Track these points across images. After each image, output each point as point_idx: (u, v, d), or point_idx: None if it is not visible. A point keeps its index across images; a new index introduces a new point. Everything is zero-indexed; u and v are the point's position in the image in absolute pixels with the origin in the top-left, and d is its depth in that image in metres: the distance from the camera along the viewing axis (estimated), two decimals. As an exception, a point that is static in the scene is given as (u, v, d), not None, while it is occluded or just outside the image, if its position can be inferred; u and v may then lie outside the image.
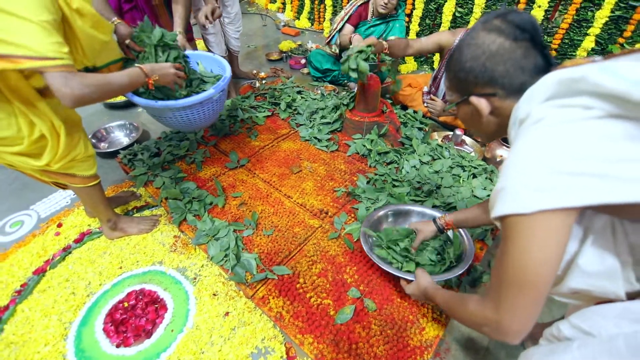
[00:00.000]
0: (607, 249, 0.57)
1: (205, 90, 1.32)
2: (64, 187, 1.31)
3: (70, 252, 1.38)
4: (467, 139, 1.96)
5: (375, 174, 1.64)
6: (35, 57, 0.79)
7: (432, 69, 2.80)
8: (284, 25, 3.63)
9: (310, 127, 1.93)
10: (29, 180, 1.70)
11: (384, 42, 1.65)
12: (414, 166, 1.67)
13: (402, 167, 1.67)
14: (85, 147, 1.15)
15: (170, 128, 1.49)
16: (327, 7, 3.39)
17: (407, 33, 2.79)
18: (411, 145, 1.80)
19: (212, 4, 1.64)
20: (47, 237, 1.44)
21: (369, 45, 1.57)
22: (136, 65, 1.09)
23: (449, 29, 2.60)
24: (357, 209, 1.45)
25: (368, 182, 1.61)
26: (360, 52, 1.56)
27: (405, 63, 2.91)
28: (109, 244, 1.41)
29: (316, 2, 3.51)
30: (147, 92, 1.29)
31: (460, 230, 1.19)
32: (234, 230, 1.37)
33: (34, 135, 0.98)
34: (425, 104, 2.10)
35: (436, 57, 2.74)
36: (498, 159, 1.78)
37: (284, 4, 3.93)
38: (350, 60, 1.57)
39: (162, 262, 1.35)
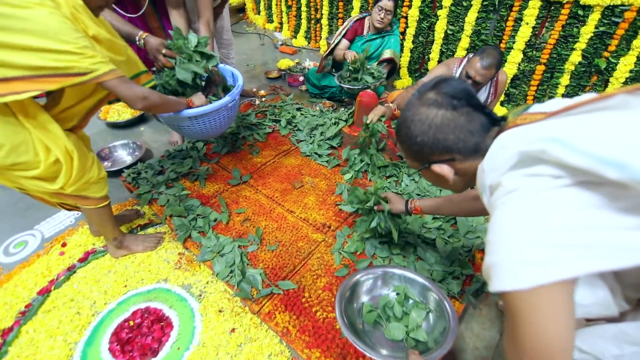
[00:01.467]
0: (596, 282, 0.62)
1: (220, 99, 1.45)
2: (70, 208, 1.33)
3: (74, 272, 1.38)
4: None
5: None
6: (85, 72, 0.89)
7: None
8: (282, 44, 3.73)
9: (311, 143, 1.97)
10: (33, 201, 1.71)
11: (392, 106, 1.75)
12: (413, 179, 1.71)
13: (402, 180, 1.70)
14: (99, 170, 1.18)
15: (187, 137, 1.56)
16: (323, 27, 3.51)
17: (402, 49, 2.89)
18: (410, 159, 1.84)
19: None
20: (51, 257, 1.44)
21: (382, 115, 1.71)
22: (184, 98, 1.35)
23: (441, 46, 2.70)
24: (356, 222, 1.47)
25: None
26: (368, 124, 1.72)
27: (401, 78, 2.99)
28: (114, 263, 1.41)
29: (312, 21, 3.64)
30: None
31: (447, 305, 1.05)
32: (239, 246, 1.38)
33: (50, 159, 1.01)
34: None
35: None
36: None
37: (281, 23, 4.06)
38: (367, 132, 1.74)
39: (167, 280, 1.35)
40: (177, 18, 1.62)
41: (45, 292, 1.30)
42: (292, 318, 1.16)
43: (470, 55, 1.70)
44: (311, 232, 1.47)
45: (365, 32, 2.42)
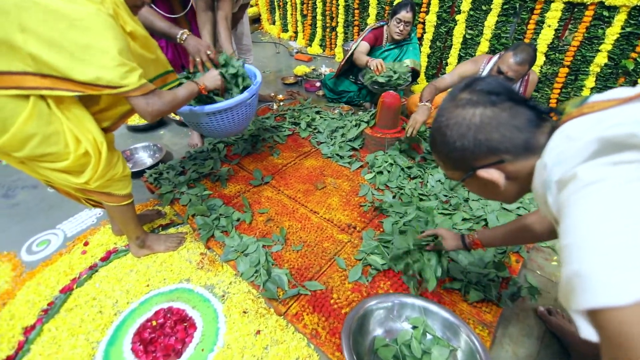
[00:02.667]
0: None
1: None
2: (95, 204, 1.32)
3: (96, 270, 1.36)
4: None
5: (401, 189, 1.63)
6: (115, 87, 0.91)
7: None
8: (297, 52, 3.77)
9: (332, 145, 1.95)
10: (56, 200, 1.73)
11: (427, 104, 1.66)
12: (439, 180, 1.66)
13: (427, 182, 1.66)
14: (123, 167, 1.17)
15: (206, 134, 1.55)
16: (338, 34, 3.54)
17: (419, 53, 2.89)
18: (434, 160, 1.80)
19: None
20: (73, 256, 1.43)
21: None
22: (192, 80, 1.26)
23: (459, 51, 2.68)
24: (383, 223, 1.43)
25: (394, 197, 1.59)
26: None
27: (418, 84, 2.98)
28: (136, 262, 1.39)
29: (327, 29, 3.67)
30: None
31: (477, 344, 0.93)
32: (263, 246, 1.34)
33: (80, 150, 1.01)
34: None
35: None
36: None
37: (295, 32, 4.12)
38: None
39: (190, 280, 1.32)
40: (204, 21, 1.63)
41: (67, 291, 1.28)
42: (321, 320, 1.11)
43: (502, 52, 1.67)
44: (336, 233, 1.43)
45: (383, 43, 2.38)
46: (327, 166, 1.83)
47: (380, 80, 2.12)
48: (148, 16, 1.44)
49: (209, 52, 1.43)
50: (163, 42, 1.71)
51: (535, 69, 2.39)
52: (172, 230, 1.54)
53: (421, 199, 1.57)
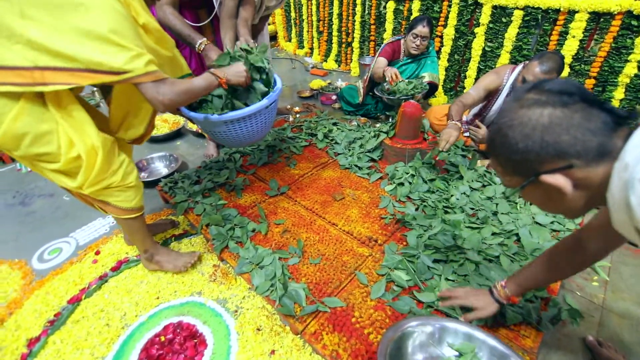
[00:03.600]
0: None
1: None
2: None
3: (106, 281, 1.31)
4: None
5: (423, 201, 1.55)
6: (119, 72, 0.85)
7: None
8: (313, 67, 3.81)
9: (350, 156, 1.89)
10: (71, 209, 1.71)
11: (458, 124, 1.64)
12: (464, 193, 1.57)
13: (451, 195, 1.57)
14: (123, 177, 1.07)
15: (224, 144, 1.49)
16: (354, 50, 3.56)
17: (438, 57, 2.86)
18: (457, 172, 1.72)
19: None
20: (84, 265, 1.38)
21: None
22: (210, 71, 1.13)
23: (478, 64, 2.64)
24: (407, 236, 1.34)
25: (417, 209, 1.51)
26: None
27: (436, 97, 2.93)
28: (146, 273, 1.33)
29: (343, 45, 3.71)
30: (211, 101, 1.29)
31: None
32: (279, 258, 1.27)
33: (71, 154, 0.94)
34: (465, 134, 2.05)
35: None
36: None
37: (311, 49, 4.18)
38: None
39: (201, 293, 1.25)
40: (227, 28, 1.63)
41: (75, 301, 1.22)
42: (342, 340, 1.01)
43: (526, 61, 1.61)
44: (356, 246, 1.34)
45: (401, 57, 2.38)
46: (346, 177, 1.76)
47: (396, 89, 2.09)
48: (172, 19, 1.45)
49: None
50: (187, 51, 1.73)
51: (560, 80, 2.31)
52: (185, 241, 1.49)
53: (446, 212, 1.48)
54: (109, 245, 1.47)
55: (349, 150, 1.95)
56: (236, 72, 1.21)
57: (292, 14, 4.22)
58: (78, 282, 1.31)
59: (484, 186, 1.63)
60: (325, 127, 2.15)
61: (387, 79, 2.13)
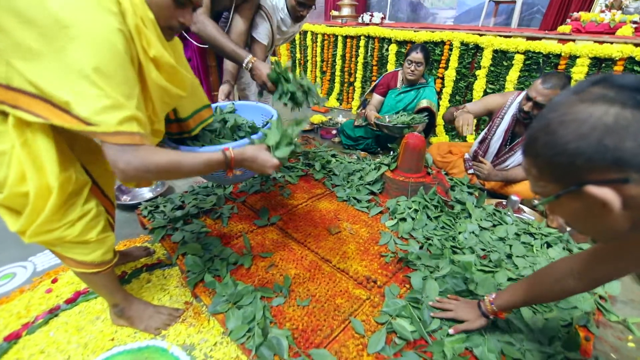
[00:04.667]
0: None
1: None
2: None
3: (56, 315, 1.12)
4: (525, 207, 1.74)
5: (428, 239, 1.40)
6: (84, 121, 0.65)
7: (461, 138, 2.75)
8: (315, 104, 3.84)
9: (348, 188, 1.77)
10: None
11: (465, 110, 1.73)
12: (473, 232, 1.42)
13: (458, 233, 1.42)
14: (82, 233, 0.84)
15: (213, 181, 1.35)
16: (355, 89, 3.62)
17: (439, 104, 2.85)
18: (464, 210, 1.58)
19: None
20: (35, 294, 1.19)
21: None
22: (223, 150, 0.87)
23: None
24: (410, 277, 1.17)
25: (421, 248, 1.35)
26: None
27: (437, 136, 2.89)
28: (105, 308, 1.14)
29: (345, 84, 3.77)
30: (190, 138, 1.16)
31: None
32: (261, 298, 1.09)
33: (18, 188, 0.74)
34: (470, 170, 1.95)
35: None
36: (568, 229, 1.52)
37: (314, 87, 4.26)
38: None
39: (166, 336, 1.05)
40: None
41: (13, 338, 1.02)
42: (330, 407, 0.80)
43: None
44: (352, 287, 1.16)
45: (398, 85, 2.44)
46: (343, 210, 1.62)
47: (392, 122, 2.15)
48: (213, 32, 1.43)
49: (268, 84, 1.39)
50: (188, 52, 1.70)
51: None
52: (157, 272, 1.31)
53: (454, 252, 1.32)
54: (69, 272, 1.29)
55: (348, 182, 1.83)
56: (262, 165, 0.92)
57: (298, 55, 4.37)
58: (23, 314, 1.11)
59: (494, 226, 1.48)
60: (324, 158, 2.06)
61: (370, 121, 2.31)
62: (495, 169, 1.84)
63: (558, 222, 1.55)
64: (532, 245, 1.35)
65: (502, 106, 1.78)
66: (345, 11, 4.86)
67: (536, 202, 1.49)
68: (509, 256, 1.29)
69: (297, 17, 1.75)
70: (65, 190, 0.78)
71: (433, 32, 2.78)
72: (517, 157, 1.78)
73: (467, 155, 2.05)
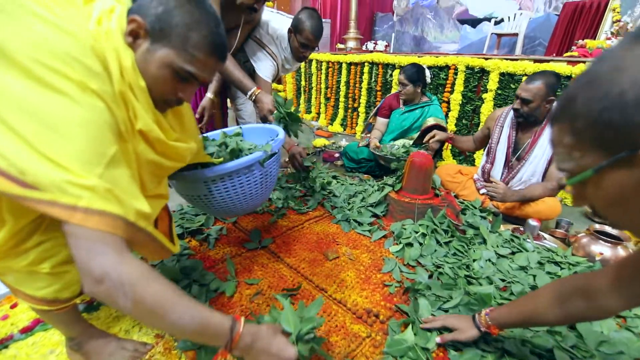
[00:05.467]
0: None
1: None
2: None
3: (6, 346, 0.96)
4: (545, 234, 1.57)
5: (438, 267, 1.23)
6: (32, 186, 0.49)
7: (468, 162, 2.62)
8: (318, 129, 3.80)
9: (349, 210, 1.63)
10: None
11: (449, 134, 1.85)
12: (489, 259, 1.26)
13: (473, 260, 1.25)
14: (34, 261, 0.67)
15: (210, 213, 1.23)
16: (359, 114, 3.58)
17: (446, 120, 2.78)
18: (477, 235, 1.42)
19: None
20: (-13, 323, 1.04)
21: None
22: (234, 318, 0.66)
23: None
24: (418, 302, 0.99)
25: (430, 276, 1.18)
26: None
27: (444, 160, 2.77)
28: (62, 340, 0.98)
29: (349, 110, 3.75)
30: None
31: None
32: (242, 331, 0.92)
33: None
34: (482, 190, 1.81)
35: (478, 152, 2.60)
36: (598, 258, 1.34)
37: (318, 113, 4.25)
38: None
39: (127, 377, 0.88)
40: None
41: (-54, 377, 0.86)
42: None
43: None
44: (350, 322, 0.99)
45: (401, 105, 2.42)
46: (342, 233, 1.48)
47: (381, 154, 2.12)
48: (235, 74, 1.45)
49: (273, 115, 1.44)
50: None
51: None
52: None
53: (469, 282, 1.14)
54: (31, 298, 1.14)
55: (349, 203, 1.70)
56: (276, 354, 0.67)
57: (302, 82, 4.42)
58: (-32, 347, 0.96)
59: (513, 253, 1.31)
60: (324, 180, 1.94)
61: (370, 148, 2.30)
62: (509, 187, 1.71)
63: (585, 251, 1.38)
64: (560, 276, 1.17)
65: (499, 115, 1.81)
66: (351, 44, 5.00)
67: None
68: (534, 288, 1.12)
69: (299, 57, 1.78)
70: (20, 218, 0.62)
71: (437, 57, 2.77)
72: (529, 168, 1.68)
73: (476, 176, 1.92)
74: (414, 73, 2.23)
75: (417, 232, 1.40)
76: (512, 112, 1.71)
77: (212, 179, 0.97)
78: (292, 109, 1.48)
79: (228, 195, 1.02)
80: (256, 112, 2.09)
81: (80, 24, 0.57)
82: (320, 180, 1.91)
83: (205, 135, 1.19)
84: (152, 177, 0.74)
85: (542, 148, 1.61)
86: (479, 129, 2.03)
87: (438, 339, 0.88)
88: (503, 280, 1.15)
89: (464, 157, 2.76)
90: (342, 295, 1.10)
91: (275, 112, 1.46)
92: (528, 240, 1.41)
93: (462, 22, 6.52)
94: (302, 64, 4.27)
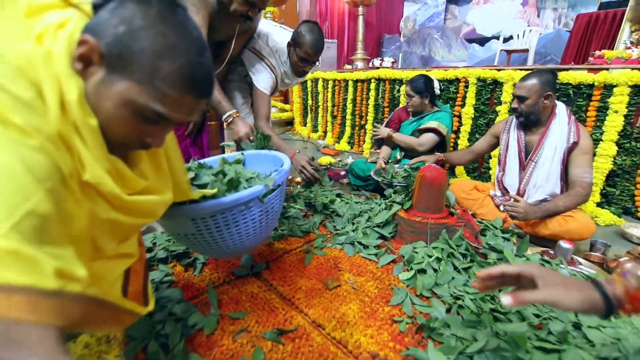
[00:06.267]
0: None
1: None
2: None
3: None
4: (579, 258, 1.36)
5: (457, 298, 1.04)
6: None
7: (484, 178, 2.43)
8: (325, 147, 3.70)
9: (353, 231, 1.47)
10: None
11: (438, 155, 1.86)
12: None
13: (499, 290, 1.06)
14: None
15: (200, 253, 1.11)
16: (367, 131, 3.47)
17: (456, 140, 2.62)
18: (501, 259, 1.23)
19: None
20: None
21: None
22: None
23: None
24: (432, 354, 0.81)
25: (448, 311, 1.00)
26: None
27: (457, 177, 2.59)
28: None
29: (356, 128, 3.65)
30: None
31: None
32: (218, 381, 0.76)
33: None
34: (501, 207, 1.63)
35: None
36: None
37: (325, 132, 4.17)
38: None
39: None
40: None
41: None
42: None
43: None
44: (351, 368, 0.81)
45: (410, 117, 2.32)
46: (345, 258, 1.31)
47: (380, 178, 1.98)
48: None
49: (251, 138, 1.35)
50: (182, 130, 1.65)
51: (607, 160, 1.95)
52: (82, 340, 0.97)
53: (496, 318, 0.95)
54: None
55: (353, 224, 1.54)
56: None
57: (309, 101, 4.37)
58: None
59: (546, 282, 1.11)
60: (327, 198, 1.79)
61: (377, 166, 2.17)
62: (526, 199, 1.59)
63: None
64: (607, 311, 0.97)
65: (505, 122, 1.78)
66: (359, 65, 4.99)
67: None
68: (577, 326, 0.92)
69: (299, 72, 1.72)
70: None
71: (446, 70, 2.66)
72: (541, 171, 1.56)
73: (492, 192, 1.75)
74: (421, 84, 2.12)
75: (430, 257, 1.22)
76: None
77: (201, 216, 0.81)
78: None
79: (220, 235, 0.86)
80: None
81: (11, 41, 0.45)
82: (323, 199, 1.76)
83: (200, 161, 1.07)
84: (110, 236, 0.58)
85: (551, 149, 1.53)
86: (482, 137, 1.98)
87: (507, 299, 0.59)
88: (538, 317, 0.95)
89: (479, 173, 2.58)
90: (343, 334, 0.92)
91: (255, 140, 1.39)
92: (562, 266, 1.21)
93: (470, 41, 6.50)
94: (309, 83, 4.24)
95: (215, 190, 0.86)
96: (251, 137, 1.36)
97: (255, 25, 1.60)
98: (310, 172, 1.58)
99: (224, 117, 1.38)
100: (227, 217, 0.84)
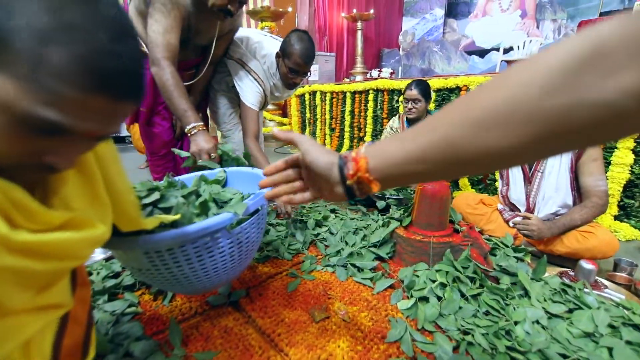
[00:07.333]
0: None
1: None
2: None
3: None
4: (604, 280, 1.20)
5: (466, 333, 0.89)
6: None
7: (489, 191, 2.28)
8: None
9: (346, 251, 1.32)
10: None
11: None
12: (537, 322, 0.90)
13: (515, 323, 0.90)
14: None
15: (163, 289, 0.98)
16: (366, 143, 3.36)
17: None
18: (515, 284, 1.08)
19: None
20: None
21: None
22: None
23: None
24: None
25: (456, 347, 0.84)
26: None
27: (461, 189, 2.45)
28: None
29: (355, 140, 3.54)
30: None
31: None
32: None
33: None
34: (510, 223, 1.49)
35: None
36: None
37: (324, 144, 4.06)
38: None
39: None
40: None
41: None
42: None
43: None
44: None
45: (405, 127, 2.21)
46: (337, 282, 1.16)
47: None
48: (170, 84, 1.21)
49: (212, 155, 1.18)
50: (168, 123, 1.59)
51: (623, 169, 1.81)
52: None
53: (513, 358, 0.79)
54: None
55: (346, 243, 1.39)
56: None
57: (307, 115, 4.30)
58: None
59: (570, 311, 0.95)
60: (320, 214, 1.65)
61: None
62: (537, 213, 1.46)
63: None
64: (648, 350, 0.81)
65: None
66: (358, 78, 4.94)
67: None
68: (613, 369, 0.76)
69: (289, 85, 1.62)
70: None
71: (446, 79, 2.56)
72: (549, 181, 1.42)
73: (500, 206, 1.60)
74: (427, 87, 2.01)
75: (433, 281, 1.07)
76: None
77: (155, 249, 0.68)
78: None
79: (181, 271, 0.73)
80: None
81: None
82: (316, 215, 1.62)
83: (173, 179, 0.94)
84: (17, 287, 0.43)
85: (556, 157, 1.39)
86: None
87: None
88: (564, 357, 0.79)
89: (484, 185, 2.43)
90: (329, 380, 0.76)
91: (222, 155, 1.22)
92: (586, 290, 1.05)
93: (470, 53, 6.47)
94: (307, 96, 4.18)
95: (177, 217, 0.73)
96: (213, 155, 1.18)
97: (237, 24, 1.51)
98: (287, 213, 1.54)
99: (187, 128, 1.23)
100: (188, 250, 0.70)
